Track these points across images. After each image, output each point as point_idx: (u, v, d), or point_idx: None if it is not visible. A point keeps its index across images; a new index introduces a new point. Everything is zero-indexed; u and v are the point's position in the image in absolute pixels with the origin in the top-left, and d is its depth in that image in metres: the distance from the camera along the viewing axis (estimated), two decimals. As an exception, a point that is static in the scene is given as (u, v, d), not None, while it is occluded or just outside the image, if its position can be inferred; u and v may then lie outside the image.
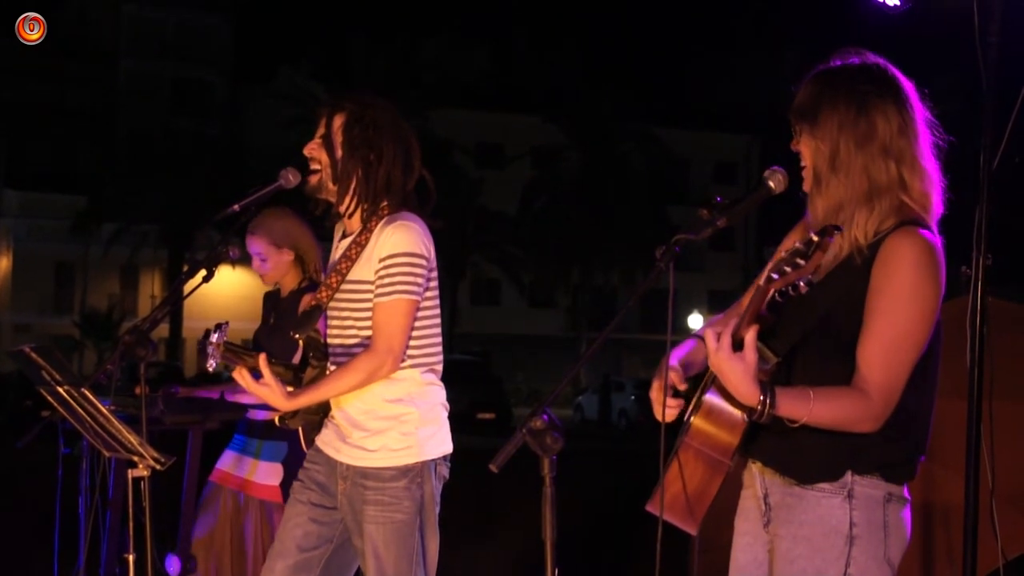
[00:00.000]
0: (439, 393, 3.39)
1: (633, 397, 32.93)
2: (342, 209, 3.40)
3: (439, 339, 3.41)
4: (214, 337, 3.46)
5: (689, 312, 41.88)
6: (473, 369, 30.36)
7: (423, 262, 3.30)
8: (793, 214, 2.72)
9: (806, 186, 2.60)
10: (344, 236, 3.47)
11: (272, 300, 4.78)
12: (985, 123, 3.13)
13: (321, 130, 3.40)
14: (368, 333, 3.30)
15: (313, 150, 3.39)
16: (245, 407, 4.48)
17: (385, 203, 3.35)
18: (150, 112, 45.71)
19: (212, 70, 50.08)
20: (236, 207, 3.52)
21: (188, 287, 3.73)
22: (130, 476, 3.39)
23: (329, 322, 3.42)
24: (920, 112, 2.58)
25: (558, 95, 43.23)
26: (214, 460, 4.72)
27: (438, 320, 3.41)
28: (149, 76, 48.65)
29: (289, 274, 4.65)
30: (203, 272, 3.53)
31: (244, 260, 4.57)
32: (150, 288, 44.98)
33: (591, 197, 42.00)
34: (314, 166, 3.39)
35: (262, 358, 3.18)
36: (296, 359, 3.55)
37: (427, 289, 3.34)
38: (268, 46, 50.63)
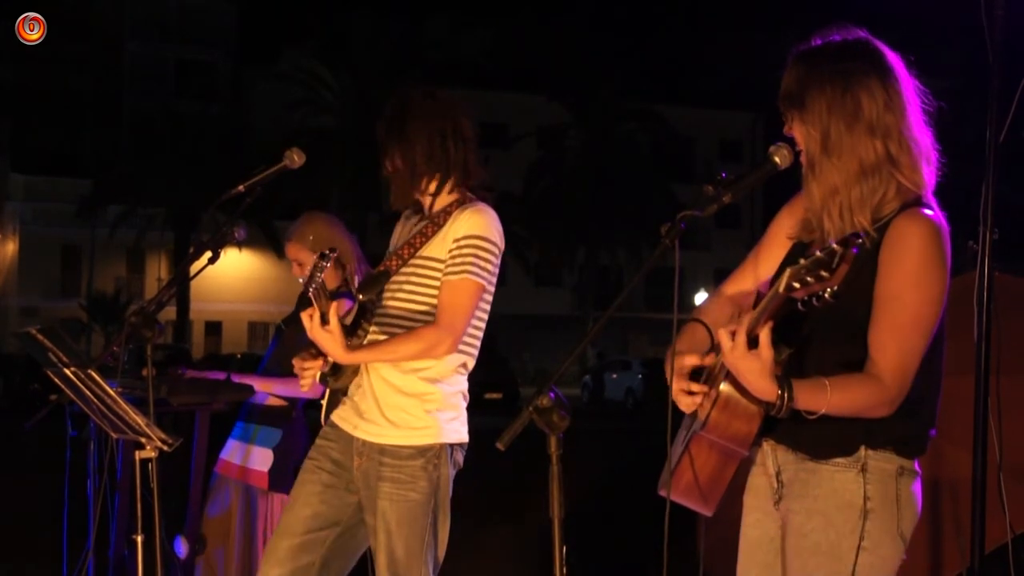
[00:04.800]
0: (462, 383, 3.43)
1: (640, 376, 32.83)
2: (422, 188, 3.42)
3: (480, 333, 3.44)
4: (324, 263, 3.45)
5: (695, 290, 41.84)
6: (479, 349, 30.15)
7: (495, 250, 3.34)
8: (798, 191, 2.70)
9: (806, 169, 2.59)
10: (410, 217, 3.51)
11: (308, 302, 4.74)
12: (991, 97, 3.11)
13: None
14: (423, 309, 3.33)
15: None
16: (252, 389, 4.48)
17: (462, 185, 3.40)
18: (155, 94, 45.70)
19: (216, 52, 50.00)
20: (241, 188, 3.53)
21: (194, 268, 3.74)
22: (138, 457, 3.40)
23: (388, 291, 3.43)
24: (907, 83, 2.54)
25: (562, 74, 43.09)
26: (222, 445, 4.72)
27: (486, 316, 3.44)
28: (153, 58, 48.62)
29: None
30: (209, 253, 3.54)
31: (250, 242, 4.60)
32: (157, 271, 45.00)
33: (596, 176, 41.90)
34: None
35: (333, 306, 3.21)
36: (348, 320, 3.56)
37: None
38: (272, 27, 50.50)
